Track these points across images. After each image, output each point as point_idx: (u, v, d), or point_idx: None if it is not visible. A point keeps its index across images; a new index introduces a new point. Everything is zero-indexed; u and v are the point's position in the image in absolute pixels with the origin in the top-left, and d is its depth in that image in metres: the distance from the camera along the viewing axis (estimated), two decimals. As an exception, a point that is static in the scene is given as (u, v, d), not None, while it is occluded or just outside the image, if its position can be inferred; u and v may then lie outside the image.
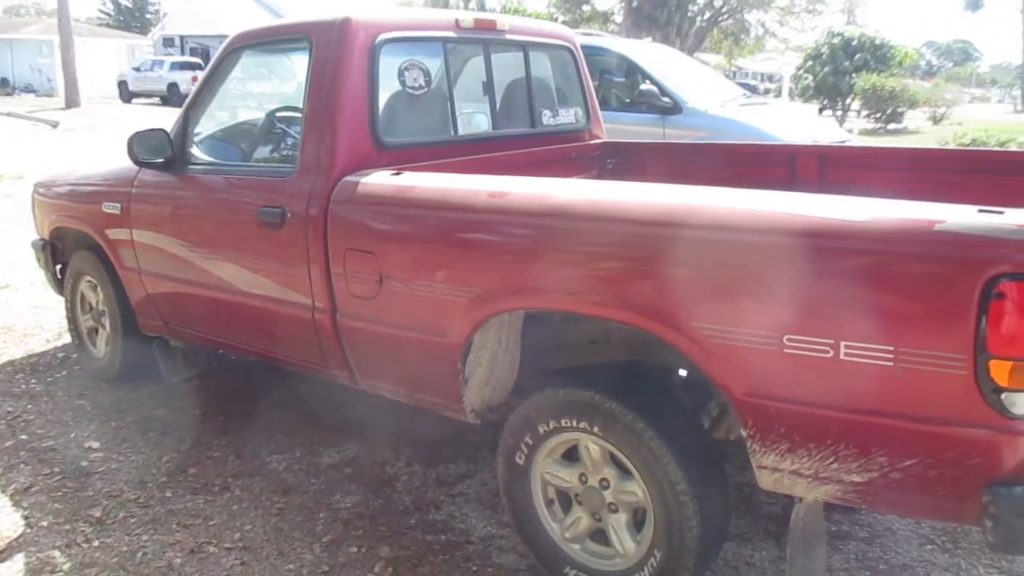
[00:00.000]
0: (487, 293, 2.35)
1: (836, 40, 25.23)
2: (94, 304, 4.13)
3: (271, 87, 3.19)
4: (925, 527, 2.84)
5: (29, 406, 3.86)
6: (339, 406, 3.60)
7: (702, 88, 7.52)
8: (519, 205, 2.30)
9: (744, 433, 2.00)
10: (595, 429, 2.28)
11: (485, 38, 3.35)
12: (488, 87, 3.39)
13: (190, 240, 3.32)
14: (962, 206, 1.72)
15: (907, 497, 1.86)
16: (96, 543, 2.78)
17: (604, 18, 48.32)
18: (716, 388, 2.01)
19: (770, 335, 1.87)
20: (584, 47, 8.02)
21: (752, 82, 56.20)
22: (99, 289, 4.02)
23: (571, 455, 2.44)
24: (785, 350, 1.86)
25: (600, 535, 2.42)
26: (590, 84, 3.93)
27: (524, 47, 3.53)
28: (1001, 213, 1.67)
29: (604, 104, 7.68)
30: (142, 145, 3.26)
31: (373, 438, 3.45)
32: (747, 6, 42.35)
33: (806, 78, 25.51)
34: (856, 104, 24.86)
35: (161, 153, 3.29)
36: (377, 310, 2.66)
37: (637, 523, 2.34)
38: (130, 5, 57.12)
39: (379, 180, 2.67)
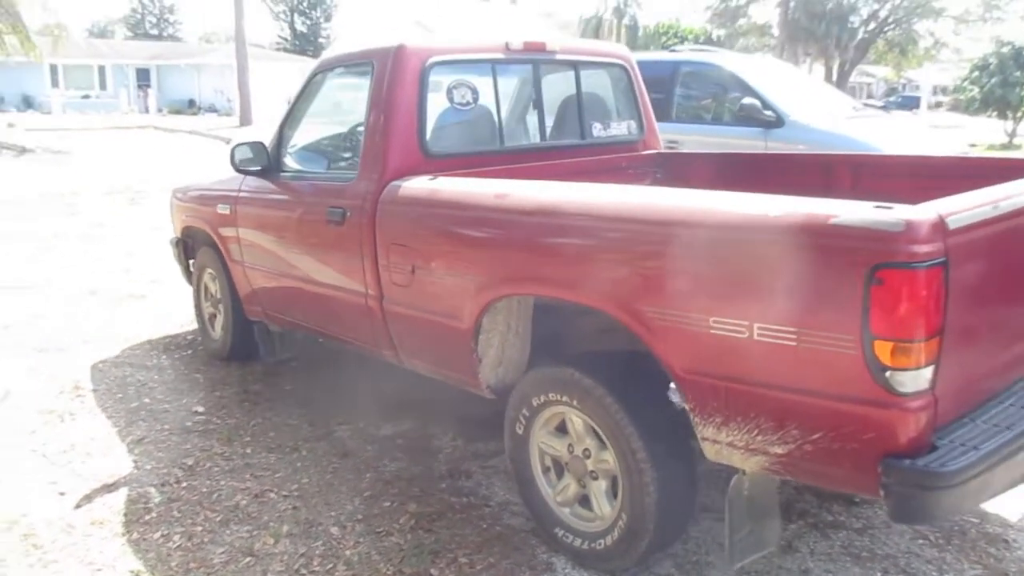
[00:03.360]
0: (489, 281, 2.70)
1: (1006, 49, 23.58)
2: (214, 293, 4.79)
3: (348, 106, 3.67)
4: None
5: (155, 376, 4.56)
6: (405, 387, 4.03)
7: (809, 102, 7.50)
8: (513, 204, 2.64)
9: (687, 407, 2.24)
10: (574, 402, 2.57)
11: (535, 58, 3.70)
12: (537, 102, 3.74)
13: (278, 236, 3.88)
14: (861, 202, 1.91)
15: (820, 468, 2.05)
16: (184, 484, 3.34)
17: (761, 31, 47.35)
18: (662, 365, 2.26)
19: (700, 317, 2.12)
20: (694, 63, 8.25)
21: (918, 95, 53.14)
22: (216, 280, 4.68)
23: (562, 428, 2.73)
24: (712, 331, 2.10)
25: (586, 501, 2.70)
26: (645, 98, 4.18)
27: (575, 65, 3.85)
28: (890, 208, 1.85)
29: (717, 119, 7.88)
30: (242, 155, 3.83)
31: (428, 415, 3.86)
32: (915, 16, 40.29)
33: (971, 90, 23.98)
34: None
35: (258, 162, 3.85)
36: (411, 296, 3.07)
37: (615, 490, 2.60)
38: (305, 31, 61.46)
39: (416, 184, 3.08)
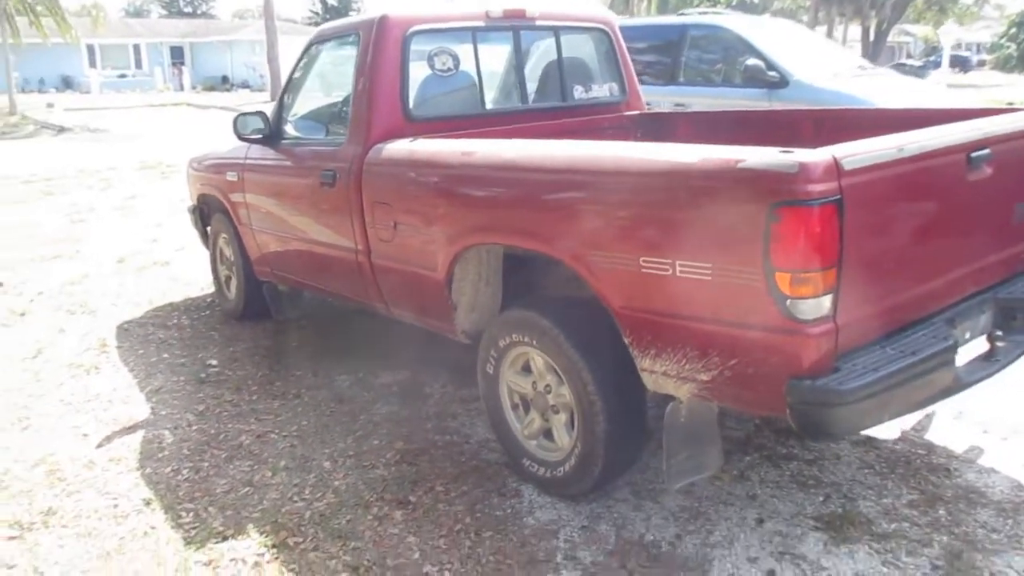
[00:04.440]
0: (457, 232, 2.93)
1: (1045, 4, 23.01)
2: (228, 256, 5.08)
3: (339, 74, 3.89)
4: (871, 454, 3.11)
5: (175, 334, 4.89)
6: (404, 341, 4.28)
7: (814, 62, 7.55)
8: (476, 161, 2.86)
9: (626, 341, 2.46)
10: (534, 342, 2.80)
11: (515, 25, 3.88)
12: (519, 66, 3.93)
13: (279, 199, 4.14)
14: (768, 148, 2.10)
15: (740, 392, 2.25)
16: (195, 428, 3.65)
17: (795, -8, 46.44)
18: (603, 303, 2.48)
19: (632, 258, 2.33)
20: (701, 26, 8.34)
21: (964, 54, 51.75)
22: (230, 244, 4.96)
23: (527, 367, 2.96)
24: (642, 270, 2.31)
25: (549, 433, 2.94)
26: (627, 60, 4.33)
27: (556, 30, 4.02)
28: (791, 152, 2.03)
29: (725, 81, 7.95)
30: (244, 124, 4.08)
31: (424, 365, 4.11)
32: (955, -29, 39.22)
33: (1008, 47, 23.45)
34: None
35: (260, 131, 4.10)
36: (394, 250, 3.32)
37: (572, 422, 2.83)
38: (336, 4, 61.64)
39: (397, 146, 3.31)
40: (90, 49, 37.65)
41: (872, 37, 41.35)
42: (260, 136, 4.12)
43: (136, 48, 40.67)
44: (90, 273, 6.34)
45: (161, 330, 4.97)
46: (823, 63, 7.62)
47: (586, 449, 2.70)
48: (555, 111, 4.03)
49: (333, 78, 4.02)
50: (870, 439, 3.23)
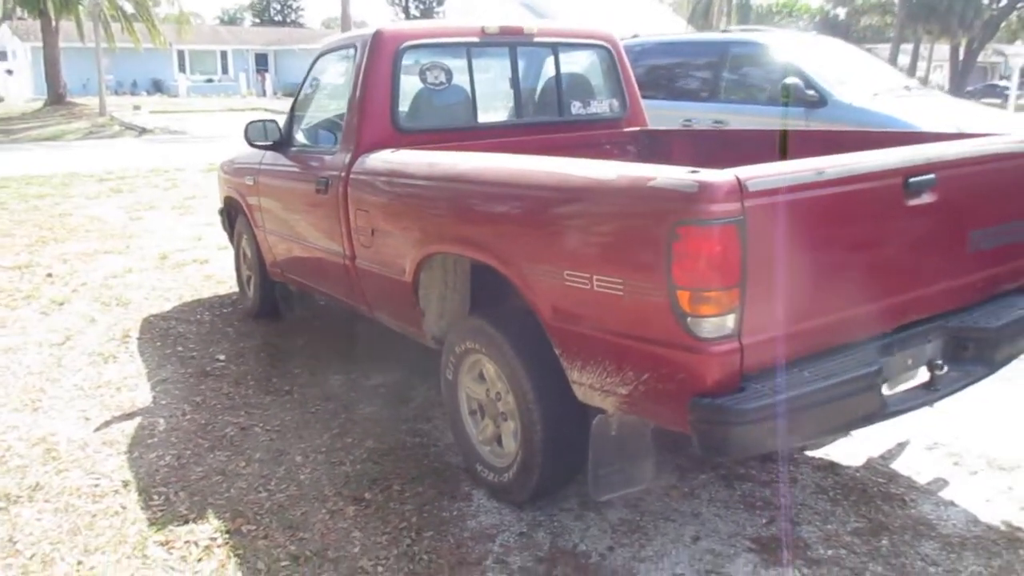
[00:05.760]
0: (420, 239, 3.04)
1: None
2: (250, 257, 5.30)
3: (340, 85, 4.05)
4: (830, 479, 3.08)
5: (193, 329, 5.13)
6: (404, 346, 4.38)
7: (856, 81, 7.41)
8: (437, 173, 2.96)
9: (557, 352, 2.51)
10: (484, 350, 2.88)
11: (512, 41, 3.97)
12: (514, 82, 4.01)
13: (285, 204, 4.32)
14: (679, 167, 2.13)
15: (655, 408, 2.28)
16: (188, 417, 3.84)
17: (883, 9, 45.28)
18: (535, 313, 2.54)
19: (557, 271, 2.39)
20: (742, 43, 8.28)
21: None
22: (250, 244, 5.18)
23: (483, 374, 3.04)
24: (566, 283, 2.37)
25: (501, 440, 3.01)
26: (630, 77, 4.36)
27: (554, 47, 4.10)
28: (696, 172, 2.07)
29: (767, 99, 7.86)
30: (254, 131, 4.28)
31: (415, 370, 4.22)
32: (1053, -12, 37.46)
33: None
34: None
35: (268, 138, 4.29)
36: (372, 255, 3.44)
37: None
38: (419, 15, 62.94)
39: (378, 156, 3.44)
40: (180, 54, 39.40)
41: (961, 56, 39.92)
42: (268, 144, 4.30)
43: (223, 54, 42.41)
44: (133, 268, 6.69)
45: (182, 324, 5.22)
46: (865, 83, 7.47)
47: (526, 456, 2.76)
48: (551, 126, 4.10)
49: (335, 89, 4.18)
50: (833, 464, 3.20)
